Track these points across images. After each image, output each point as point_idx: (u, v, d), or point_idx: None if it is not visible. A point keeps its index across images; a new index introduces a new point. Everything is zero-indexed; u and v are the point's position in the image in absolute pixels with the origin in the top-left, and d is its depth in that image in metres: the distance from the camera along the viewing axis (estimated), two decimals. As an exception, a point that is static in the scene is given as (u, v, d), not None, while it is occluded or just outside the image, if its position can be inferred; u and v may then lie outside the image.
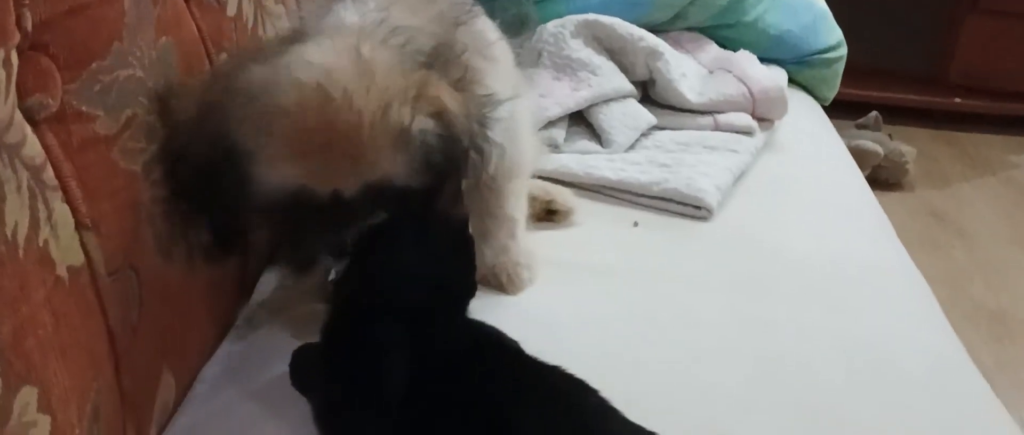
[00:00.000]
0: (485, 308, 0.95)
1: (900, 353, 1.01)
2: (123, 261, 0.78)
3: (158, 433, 0.89)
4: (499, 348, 0.86)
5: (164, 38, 0.85)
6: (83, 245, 0.73)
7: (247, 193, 0.80)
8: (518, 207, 1.12)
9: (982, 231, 2.57)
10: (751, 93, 1.48)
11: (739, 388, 0.94)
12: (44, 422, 0.66)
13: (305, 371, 0.92)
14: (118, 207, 0.77)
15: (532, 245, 1.13)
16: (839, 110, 1.99)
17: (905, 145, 2.73)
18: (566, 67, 1.42)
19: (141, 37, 0.81)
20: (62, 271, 0.70)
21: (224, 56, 1.00)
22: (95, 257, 0.74)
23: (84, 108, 0.73)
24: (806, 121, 1.67)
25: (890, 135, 2.75)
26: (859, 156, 2.19)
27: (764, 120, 1.50)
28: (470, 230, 0.93)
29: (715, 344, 1.01)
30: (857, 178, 1.50)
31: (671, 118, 1.48)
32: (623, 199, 1.31)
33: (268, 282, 1.12)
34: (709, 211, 1.26)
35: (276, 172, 0.79)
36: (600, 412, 0.78)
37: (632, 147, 1.41)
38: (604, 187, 1.32)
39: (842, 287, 1.13)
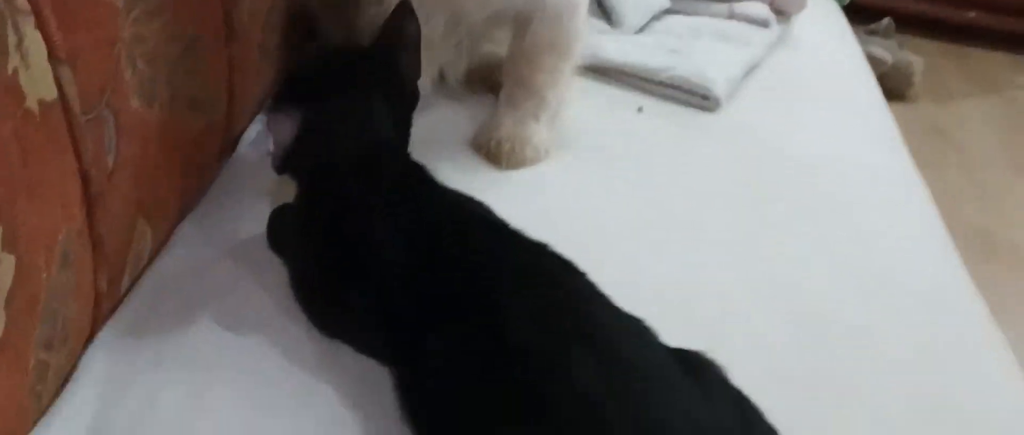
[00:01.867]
0: (474, 182, 0.91)
1: (899, 262, 0.99)
2: (99, 100, 0.73)
3: (131, 283, 0.86)
4: (484, 221, 0.83)
5: None
6: (57, 79, 0.68)
7: None
8: (552, 87, 1.08)
9: (980, 150, 2.54)
10: (770, -17, 1.42)
11: (733, 285, 0.92)
12: (8, 261, 0.63)
13: (282, 233, 0.89)
14: (96, 42, 0.72)
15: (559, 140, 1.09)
16: (852, 15, 1.92)
17: (914, 55, 2.66)
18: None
19: None
20: (32, 104, 0.65)
21: None
22: (69, 92, 0.69)
23: (60, -73, 0.67)
24: (823, 20, 1.60)
25: (900, 45, 2.68)
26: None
27: (781, 13, 1.44)
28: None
29: (712, 239, 0.98)
30: (870, 83, 1.45)
31: (684, 2, 1.41)
32: (628, 83, 1.26)
33: (251, 136, 1.08)
34: (717, 102, 1.21)
35: None
36: (587, 295, 0.75)
37: (641, 29, 1.35)
38: (609, 69, 1.26)
39: (846, 192, 1.10)
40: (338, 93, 0.87)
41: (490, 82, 1.17)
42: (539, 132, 1.07)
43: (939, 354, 0.87)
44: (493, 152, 1.05)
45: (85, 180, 0.72)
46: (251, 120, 1.11)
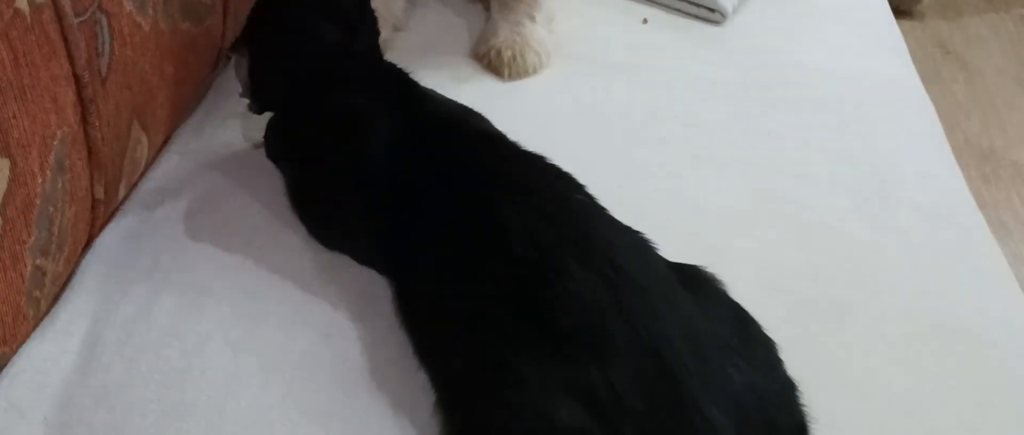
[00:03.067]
0: (475, 93, 0.90)
1: (903, 178, 0.98)
2: (92, 2, 0.71)
3: (128, 190, 0.85)
4: (480, 132, 0.82)
5: None
6: (47, -22, 0.66)
7: None
8: None
9: (986, 69, 2.51)
10: None
11: (736, 199, 0.91)
12: (3, 166, 0.62)
13: (280, 141, 0.88)
14: (85, -60, 0.70)
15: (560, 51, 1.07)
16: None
17: (922, -29, 2.61)
18: None
19: None
20: (22, 4, 0.63)
21: None
22: (60, -8, 0.67)
23: None
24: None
25: (910, -42, 2.63)
26: (876, -24, 2.08)
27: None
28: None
29: (716, 152, 0.97)
30: (879, -3, 1.42)
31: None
32: (633, -7, 1.23)
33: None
34: (723, 15, 1.19)
35: None
36: (586, 208, 0.74)
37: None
38: (614, -21, 1.24)
39: (852, 106, 1.08)
40: (275, 19, 0.85)
41: None
42: (536, 33, 1.05)
43: (938, 270, 0.87)
44: (494, 62, 1.03)
45: (78, 84, 0.71)
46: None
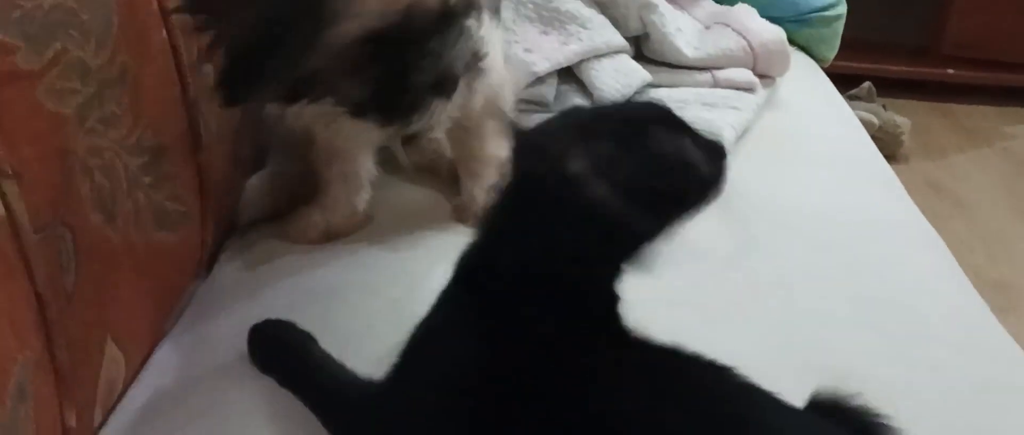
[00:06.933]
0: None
1: (926, 310, 0.93)
2: (53, 217, 0.68)
3: (104, 416, 0.79)
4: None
5: (100, -33, 0.75)
6: (2, 195, 0.63)
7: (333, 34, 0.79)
8: (500, 146, 1.05)
9: (981, 202, 2.50)
10: (751, 47, 1.39)
11: (756, 354, 0.83)
12: (-47, 399, 0.57)
13: (270, 349, 0.82)
14: (44, 154, 0.67)
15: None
16: (831, 82, 1.91)
17: (899, 116, 2.65)
18: (554, 20, 1.31)
19: (71, -38, 0.71)
20: (-25, 223, 0.60)
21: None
22: (17, 209, 0.64)
23: (1, 37, 0.63)
24: (807, 80, 1.58)
25: (884, 106, 2.67)
26: (855, 125, 2.10)
27: (765, 77, 1.41)
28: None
29: (727, 310, 0.92)
30: (862, 135, 1.41)
31: (667, 75, 1.38)
32: (618, 158, 1.21)
33: (231, 258, 1.02)
34: (712, 166, 1.16)
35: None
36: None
37: (625, 106, 1.31)
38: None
39: (858, 243, 1.04)
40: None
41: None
42: None
43: (980, 405, 0.81)
44: (472, 213, 1.04)
45: (41, 304, 0.66)
46: (225, 236, 1.05)
